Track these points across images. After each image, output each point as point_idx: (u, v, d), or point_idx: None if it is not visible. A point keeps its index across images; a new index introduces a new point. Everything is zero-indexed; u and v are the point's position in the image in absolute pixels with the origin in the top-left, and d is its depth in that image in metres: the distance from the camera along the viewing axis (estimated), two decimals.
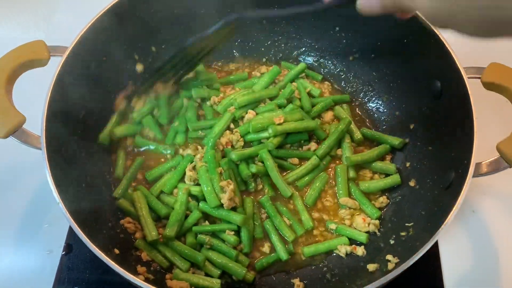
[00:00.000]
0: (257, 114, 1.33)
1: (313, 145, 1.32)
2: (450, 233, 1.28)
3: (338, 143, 1.33)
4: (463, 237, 1.28)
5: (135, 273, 1.08)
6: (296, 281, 1.15)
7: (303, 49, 1.52)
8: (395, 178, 1.26)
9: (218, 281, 1.10)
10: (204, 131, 1.33)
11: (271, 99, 1.39)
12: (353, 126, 1.36)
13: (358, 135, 1.35)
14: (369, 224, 1.21)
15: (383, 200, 1.26)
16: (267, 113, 1.31)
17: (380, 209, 1.25)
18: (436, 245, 1.26)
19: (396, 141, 1.31)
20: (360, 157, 1.29)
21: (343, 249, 1.18)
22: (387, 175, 1.29)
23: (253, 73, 1.51)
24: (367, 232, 1.21)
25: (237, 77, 1.49)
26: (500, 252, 1.25)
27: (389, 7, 0.79)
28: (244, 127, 1.30)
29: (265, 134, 1.27)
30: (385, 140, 1.33)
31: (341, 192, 1.26)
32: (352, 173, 1.29)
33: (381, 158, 1.32)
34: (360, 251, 1.18)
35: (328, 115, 1.40)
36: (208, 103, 1.41)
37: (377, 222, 1.22)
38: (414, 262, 1.20)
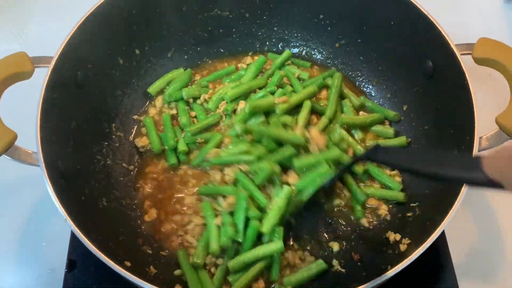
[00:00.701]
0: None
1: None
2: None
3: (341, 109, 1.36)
4: (466, 213, 1.30)
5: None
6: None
7: (288, 40, 1.51)
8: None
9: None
10: (202, 136, 1.31)
11: (260, 89, 1.39)
12: (351, 94, 1.39)
13: (356, 101, 1.38)
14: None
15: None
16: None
17: None
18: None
19: (391, 113, 1.33)
20: (351, 120, 1.31)
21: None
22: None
23: (239, 65, 1.49)
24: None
25: (225, 71, 1.46)
26: (504, 229, 1.28)
27: None
28: (240, 116, 1.27)
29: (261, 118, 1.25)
30: (380, 110, 1.36)
31: None
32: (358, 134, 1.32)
33: None
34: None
35: (323, 93, 1.41)
36: (198, 101, 1.38)
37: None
38: None
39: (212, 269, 1.14)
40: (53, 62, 1.09)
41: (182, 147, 1.30)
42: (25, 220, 1.29)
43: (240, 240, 1.11)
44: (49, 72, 1.08)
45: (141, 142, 1.34)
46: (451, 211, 0.94)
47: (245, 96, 1.36)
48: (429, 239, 0.92)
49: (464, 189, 0.95)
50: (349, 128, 1.33)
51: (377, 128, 1.34)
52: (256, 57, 1.47)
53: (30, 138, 1.02)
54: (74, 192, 1.10)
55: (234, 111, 1.34)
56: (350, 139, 1.30)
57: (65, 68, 1.13)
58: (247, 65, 1.48)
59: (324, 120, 1.31)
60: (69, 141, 1.15)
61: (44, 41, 1.15)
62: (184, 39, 1.45)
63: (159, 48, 1.42)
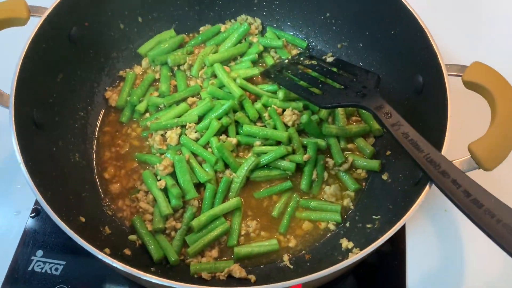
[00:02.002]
0: (231, 70, 1.39)
1: None
2: (420, 231, 1.27)
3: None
4: (432, 236, 1.28)
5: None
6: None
7: (291, 33, 1.50)
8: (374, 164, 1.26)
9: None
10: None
11: (241, 55, 1.45)
12: None
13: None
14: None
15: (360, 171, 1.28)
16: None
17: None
18: (404, 240, 1.25)
19: (375, 126, 1.31)
20: (335, 130, 1.29)
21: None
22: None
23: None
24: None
25: (210, 32, 1.48)
26: (467, 252, 1.25)
27: None
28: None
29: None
30: (368, 122, 1.34)
31: None
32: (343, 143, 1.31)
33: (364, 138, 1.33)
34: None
35: None
36: (182, 68, 1.42)
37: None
38: (381, 254, 1.23)
39: (172, 233, 1.18)
40: (47, 12, 1.12)
41: (140, 107, 1.34)
42: (1, 161, 1.33)
43: (189, 198, 1.18)
44: (41, 21, 1.12)
45: (109, 94, 1.37)
46: (391, 229, 0.93)
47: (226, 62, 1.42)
48: (369, 247, 0.91)
49: (412, 210, 0.94)
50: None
51: (360, 142, 1.31)
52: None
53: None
54: (45, 141, 1.13)
55: (214, 75, 1.38)
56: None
57: (60, 21, 1.17)
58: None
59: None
60: (52, 92, 1.19)
61: None
62: (189, 15, 1.47)
63: (163, 19, 1.44)
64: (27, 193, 1.27)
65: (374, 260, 1.23)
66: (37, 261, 1.19)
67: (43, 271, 1.18)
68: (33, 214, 1.26)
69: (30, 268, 1.18)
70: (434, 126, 1.09)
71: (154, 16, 1.43)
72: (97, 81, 1.36)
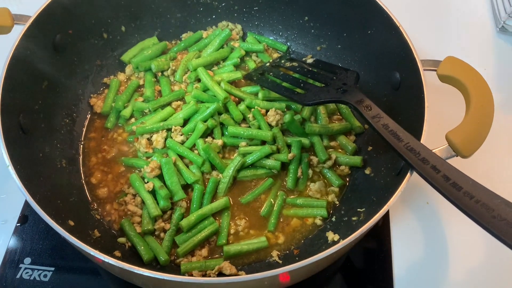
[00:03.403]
0: (215, 74, 1.41)
1: None
2: (404, 223, 1.31)
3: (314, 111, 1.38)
4: (416, 228, 1.31)
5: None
6: None
7: (272, 37, 1.55)
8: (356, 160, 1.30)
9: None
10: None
11: (224, 60, 1.49)
12: None
13: (330, 105, 1.39)
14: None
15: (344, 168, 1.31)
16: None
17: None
18: (389, 234, 1.28)
19: (356, 124, 1.35)
20: (318, 128, 1.32)
21: None
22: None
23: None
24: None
25: (192, 38, 1.52)
26: (450, 243, 1.28)
27: None
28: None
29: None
30: (349, 119, 1.37)
31: None
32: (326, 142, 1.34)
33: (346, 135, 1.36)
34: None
35: None
36: (165, 73, 1.44)
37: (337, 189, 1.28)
38: (367, 250, 1.26)
39: (161, 234, 1.19)
40: (30, 20, 1.14)
41: (125, 112, 1.35)
42: None
43: (177, 199, 1.20)
44: (25, 29, 1.13)
45: (93, 101, 1.38)
46: (377, 214, 0.96)
47: (209, 66, 1.46)
48: (352, 236, 0.94)
49: (395, 196, 0.97)
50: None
51: (342, 140, 1.35)
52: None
53: None
54: (32, 146, 1.14)
55: (198, 80, 1.41)
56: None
57: (43, 28, 1.18)
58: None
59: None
60: (38, 98, 1.19)
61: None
62: (171, 23, 1.50)
63: (145, 27, 1.47)
64: (13, 202, 1.28)
65: (361, 256, 1.26)
66: (25, 268, 1.18)
67: (32, 278, 1.17)
68: (19, 224, 1.25)
69: (18, 276, 1.17)
70: (412, 119, 1.13)
71: (137, 24, 1.45)
72: (81, 88, 1.37)
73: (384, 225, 1.29)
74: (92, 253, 0.90)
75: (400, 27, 1.18)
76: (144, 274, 0.86)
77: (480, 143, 1.03)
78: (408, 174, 0.99)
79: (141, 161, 1.27)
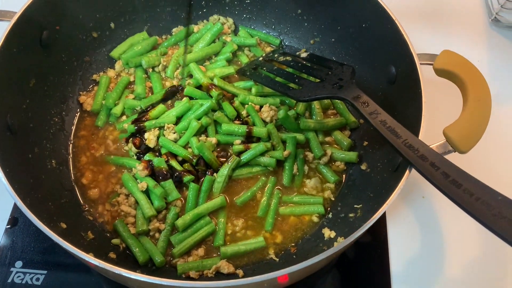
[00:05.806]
0: (207, 70, 1.39)
1: None
2: (400, 218, 1.30)
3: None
4: (412, 222, 1.30)
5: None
6: None
7: (264, 31, 1.52)
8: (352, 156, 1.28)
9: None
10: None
11: (216, 55, 1.46)
12: None
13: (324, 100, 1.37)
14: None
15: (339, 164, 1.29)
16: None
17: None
18: (385, 229, 1.28)
19: (351, 119, 1.34)
20: (313, 123, 1.31)
21: None
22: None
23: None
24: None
25: (183, 33, 1.48)
26: (446, 237, 1.28)
27: None
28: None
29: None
30: (344, 114, 1.35)
31: None
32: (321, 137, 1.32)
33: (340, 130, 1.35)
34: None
35: None
36: (156, 69, 1.41)
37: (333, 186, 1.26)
38: (363, 245, 1.25)
39: (156, 235, 1.16)
40: (16, 17, 1.10)
41: (116, 110, 1.32)
42: None
43: (171, 199, 1.18)
44: (11, 25, 1.09)
45: (83, 99, 1.35)
46: (375, 214, 0.95)
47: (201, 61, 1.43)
48: (354, 233, 0.93)
49: (394, 194, 0.96)
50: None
51: (337, 135, 1.33)
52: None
53: None
54: (20, 147, 1.11)
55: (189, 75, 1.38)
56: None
57: (29, 25, 1.15)
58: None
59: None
60: (25, 97, 1.16)
61: None
62: (161, 17, 1.46)
63: (135, 22, 1.43)
64: (2, 204, 1.25)
65: (358, 251, 1.26)
66: (17, 272, 1.16)
67: (24, 282, 1.14)
68: (9, 226, 1.22)
69: (9, 280, 1.14)
70: (409, 114, 1.12)
71: (126, 18, 1.41)
72: (70, 86, 1.34)
73: (380, 220, 1.29)
74: (84, 258, 0.88)
75: (395, 21, 1.17)
76: (138, 278, 0.84)
77: (478, 138, 1.02)
78: (407, 171, 0.98)
79: (132, 160, 1.24)
